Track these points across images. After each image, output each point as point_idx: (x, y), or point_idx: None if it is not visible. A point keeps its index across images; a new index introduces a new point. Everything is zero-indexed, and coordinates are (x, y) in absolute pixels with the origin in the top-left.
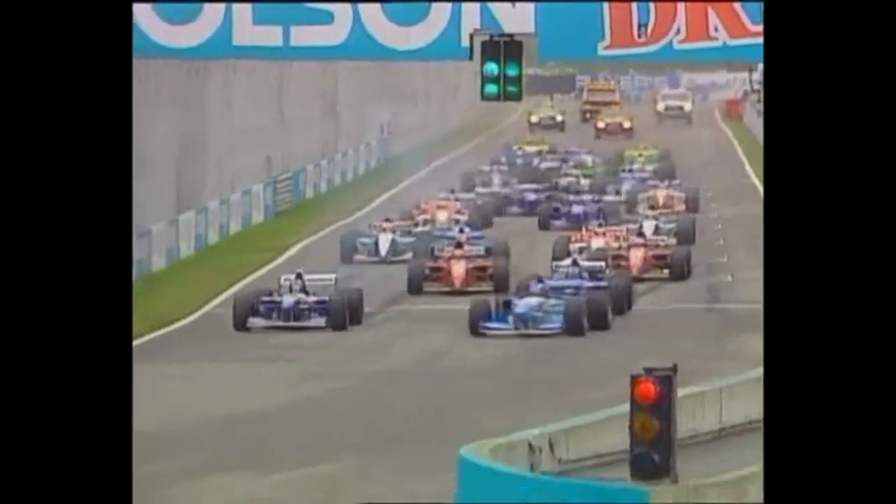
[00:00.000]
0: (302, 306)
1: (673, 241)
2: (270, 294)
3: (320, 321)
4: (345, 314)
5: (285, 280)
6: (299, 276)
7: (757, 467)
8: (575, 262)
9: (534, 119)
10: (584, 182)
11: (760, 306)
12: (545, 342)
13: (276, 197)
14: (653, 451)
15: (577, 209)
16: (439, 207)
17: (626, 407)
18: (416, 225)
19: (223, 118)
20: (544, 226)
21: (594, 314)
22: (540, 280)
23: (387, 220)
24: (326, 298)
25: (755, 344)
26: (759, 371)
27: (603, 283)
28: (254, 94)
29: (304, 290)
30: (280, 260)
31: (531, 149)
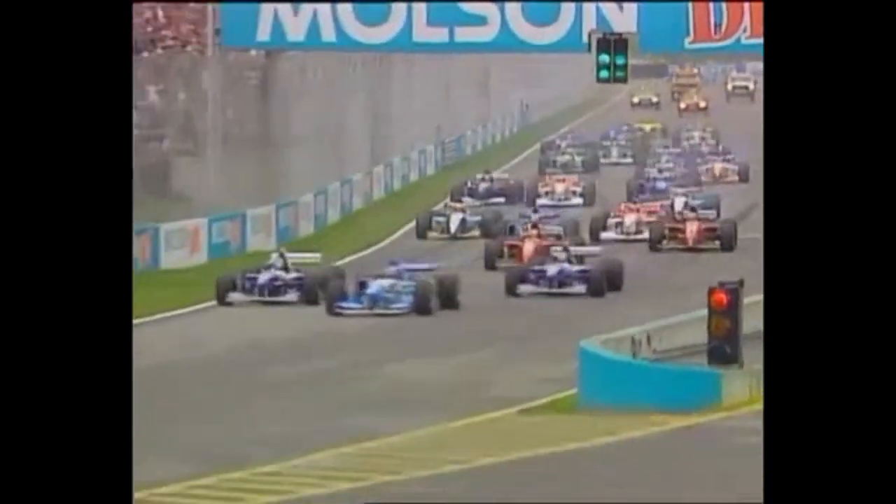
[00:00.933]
0: (276, 283)
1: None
2: (257, 271)
3: (294, 296)
4: (317, 290)
5: (272, 257)
6: (282, 254)
7: None
8: (565, 249)
9: (635, 100)
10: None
11: None
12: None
13: (444, 155)
14: (725, 344)
15: (661, 184)
16: (558, 181)
17: (705, 311)
18: (539, 196)
19: (404, 97)
20: (631, 199)
21: (446, 294)
22: (393, 262)
23: (458, 200)
24: (302, 275)
25: None
26: None
27: (587, 268)
28: (427, 78)
29: (285, 267)
30: (447, 200)
31: (646, 126)
